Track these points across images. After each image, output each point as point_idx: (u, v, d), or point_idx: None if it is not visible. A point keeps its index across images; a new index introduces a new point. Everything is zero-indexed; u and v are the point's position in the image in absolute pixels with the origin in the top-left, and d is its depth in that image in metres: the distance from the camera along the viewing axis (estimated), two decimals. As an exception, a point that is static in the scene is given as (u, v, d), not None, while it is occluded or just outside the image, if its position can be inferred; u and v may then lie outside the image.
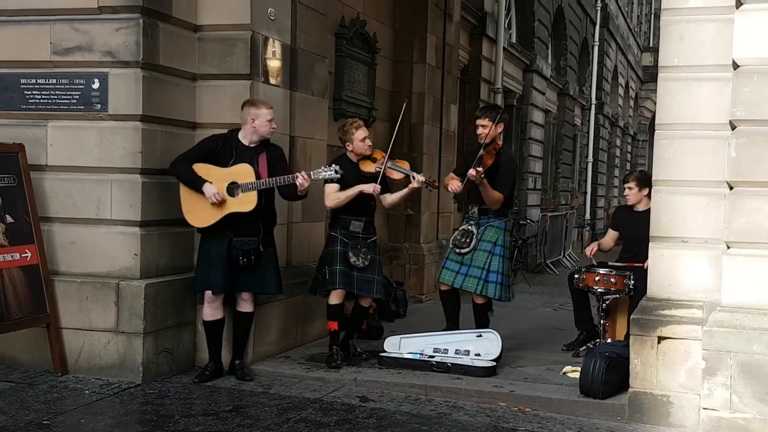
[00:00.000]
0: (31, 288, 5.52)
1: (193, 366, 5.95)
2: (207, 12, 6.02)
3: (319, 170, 5.65)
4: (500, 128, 6.43)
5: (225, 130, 5.77)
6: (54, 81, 5.70)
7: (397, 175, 6.15)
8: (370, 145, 6.15)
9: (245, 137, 5.67)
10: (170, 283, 5.75)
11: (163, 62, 5.73)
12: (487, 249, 6.34)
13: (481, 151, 6.30)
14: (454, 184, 6.43)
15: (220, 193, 5.47)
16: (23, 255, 5.51)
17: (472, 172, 6.05)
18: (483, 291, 6.31)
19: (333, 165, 5.69)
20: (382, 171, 6.03)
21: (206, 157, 5.61)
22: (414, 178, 6.06)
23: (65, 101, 5.69)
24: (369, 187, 5.97)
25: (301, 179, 5.51)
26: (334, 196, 6.03)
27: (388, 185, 6.20)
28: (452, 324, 6.60)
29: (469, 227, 6.42)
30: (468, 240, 6.35)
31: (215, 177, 5.52)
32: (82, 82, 5.64)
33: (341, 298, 6.06)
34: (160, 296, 5.63)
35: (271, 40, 6.24)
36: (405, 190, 6.20)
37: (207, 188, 5.49)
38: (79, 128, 5.67)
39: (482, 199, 6.33)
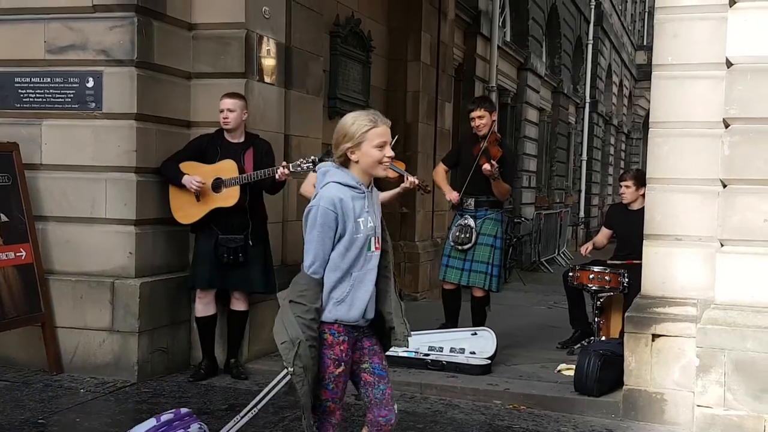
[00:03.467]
0: (26, 287, 5.51)
1: (188, 365, 5.94)
2: (202, 10, 6.02)
3: (298, 162, 5.53)
4: (494, 117, 6.49)
5: (219, 129, 5.78)
6: (48, 80, 5.69)
7: (392, 174, 6.11)
8: None
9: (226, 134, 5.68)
10: (165, 282, 5.75)
11: (158, 61, 5.72)
12: (489, 243, 6.35)
13: (485, 144, 6.29)
14: (453, 195, 6.44)
15: (203, 181, 5.47)
16: (18, 254, 5.50)
17: (487, 167, 6.03)
18: (488, 285, 6.32)
19: (312, 156, 5.47)
20: None
21: (193, 156, 5.63)
22: (407, 178, 5.99)
23: (59, 100, 5.68)
24: None
25: (280, 171, 5.43)
26: (310, 183, 5.90)
27: (381, 183, 6.15)
28: (452, 323, 6.58)
29: (467, 221, 6.39)
30: (468, 236, 6.33)
31: (201, 174, 5.54)
32: (76, 80, 5.63)
33: None
34: (155, 295, 5.63)
35: (265, 39, 6.23)
36: (397, 189, 6.08)
37: (185, 179, 5.53)
38: (73, 127, 5.67)
39: (478, 191, 6.35)
